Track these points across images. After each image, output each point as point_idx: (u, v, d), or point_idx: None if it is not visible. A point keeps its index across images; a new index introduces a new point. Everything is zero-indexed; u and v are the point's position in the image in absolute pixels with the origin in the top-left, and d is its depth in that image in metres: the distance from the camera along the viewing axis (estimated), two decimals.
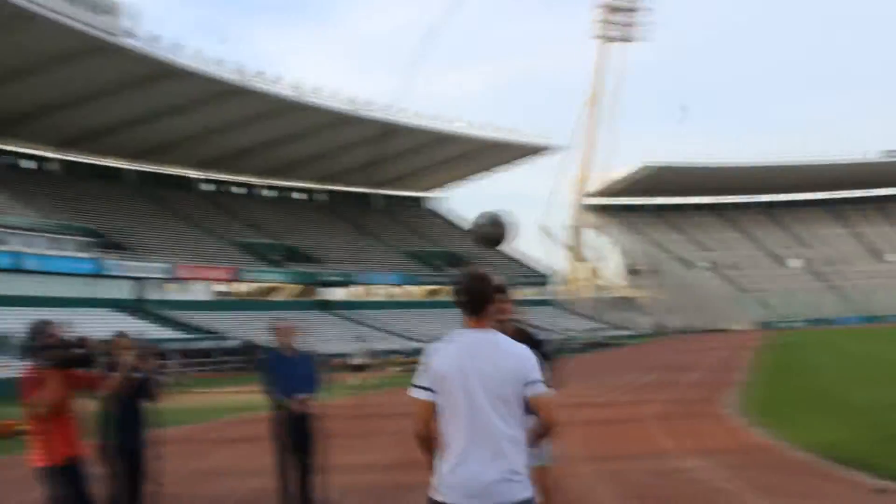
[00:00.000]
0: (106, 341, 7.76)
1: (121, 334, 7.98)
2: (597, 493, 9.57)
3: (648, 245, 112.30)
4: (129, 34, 63.92)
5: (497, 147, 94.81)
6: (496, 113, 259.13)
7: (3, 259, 54.64)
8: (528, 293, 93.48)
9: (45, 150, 75.52)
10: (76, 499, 6.55)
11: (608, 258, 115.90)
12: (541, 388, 3.93)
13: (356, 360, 28.13)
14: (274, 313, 58.22)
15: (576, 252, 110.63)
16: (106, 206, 72.77)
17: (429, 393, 4.00)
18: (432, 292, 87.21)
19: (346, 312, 74.60)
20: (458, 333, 4.09)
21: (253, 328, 61.10)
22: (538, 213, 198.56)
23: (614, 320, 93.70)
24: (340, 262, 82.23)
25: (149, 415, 7.99)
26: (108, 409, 7.57)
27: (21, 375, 6.68)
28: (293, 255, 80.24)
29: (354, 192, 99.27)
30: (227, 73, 70.14)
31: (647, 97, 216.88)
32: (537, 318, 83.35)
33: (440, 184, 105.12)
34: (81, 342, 6.85)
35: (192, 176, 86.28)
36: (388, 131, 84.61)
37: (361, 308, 77.07)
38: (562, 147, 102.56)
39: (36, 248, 57.52)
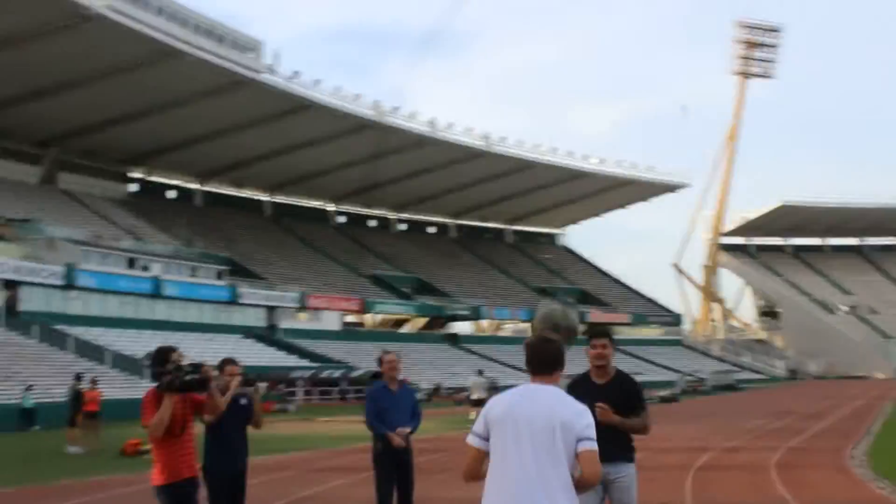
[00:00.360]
0: (217, 367, 7.95)
1: (228, 359, 8.17)
2: None
3: (785, 286, 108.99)
4: (270, 70, 66.16)
5: (630, 184, 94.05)
6: (628, 149, 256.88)
7: (144, 284, 56.84)
8: (658, 333, 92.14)
9: (187, 181, 78.34)
10: None
11: (742, 299, 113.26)
12: (590, 446, 3.99)
13: (475, 395, 28.06)
14: (401, 345, 58.91)
15: (708, 292, 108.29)
16: (243, 236, 74.99)
17: (480, 440, 4.09)
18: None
19: (473, 346, 74.81)
20: (520, 386, 4.21)
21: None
22: (670, 252, 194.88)
23: (747, 363, 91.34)
24: (469, 295, 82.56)
25: (248, 440, 8.16)
26: (213, 434, 7.74)
27: (141, 397, 6.98)
28: (423, 288, 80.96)
29: (486, 226, 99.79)
30: (363, 109, 71.78)
31: (768, 132, 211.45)
32: (664, 359, 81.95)
33: (572, 220, 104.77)
34: (197, 368, 7.08)
35: (326, 208, 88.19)
36: (521, 167, 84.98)
37: (489, 342, 77.11)
38: (694, 185, 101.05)
39: (175, 274, 59.61)
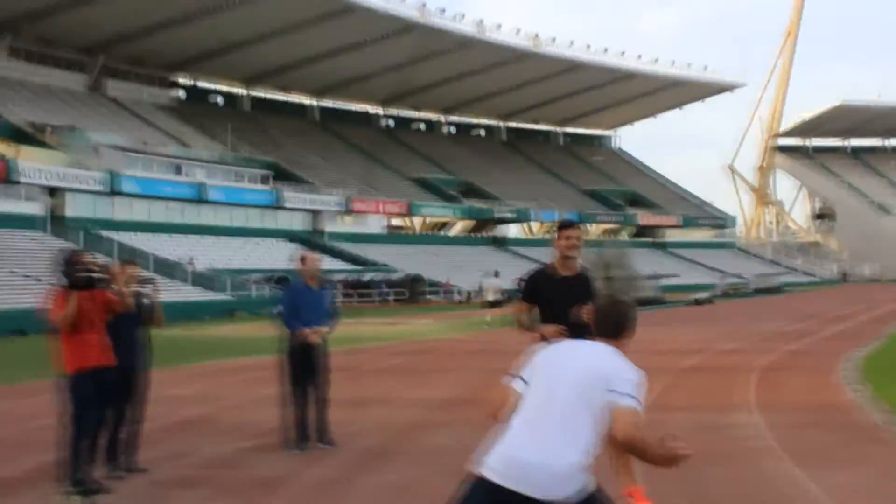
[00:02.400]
0: (118, 267, 8.00)
1: (128, 260, 8.20)
2: None
3: (841, 188, 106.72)
4: None
5: (684, 84, 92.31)
6: (691, 50, 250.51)
7: (188, 190, 57.47)
8: (708, 235, 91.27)
9: (233, 86, 78.49)
10: (85, 405, 7.07)
11: (797, 201, 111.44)
12: (627, 402, 3.64)
13: (490, 296, 28.06)
14: (447, 248, 59.05)
15: (762, 194, 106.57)
16: (288, 141, 75.19)
17: (518, 381, 3.91)
18: (609, 231, 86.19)
19: (519, 249, 74.67)
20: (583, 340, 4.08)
21: (423, 263, 62.07)
22: (725, 153, 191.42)
23: (798, 266, 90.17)
24: (517, 198, 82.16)
25: (147, 340, 8.24)
26: (110, 332, 7.80)
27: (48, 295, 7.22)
28: (469, 192, 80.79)
29: (536, 129, 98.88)
30: (408, 10, 70.89)
31: (829, 30, 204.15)
32: (714, 261, 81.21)
33: (625, 121, 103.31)
34: (101, 268, 7.22)
35: (373, 112, 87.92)
36: (571, 68, 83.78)
37: (536, 245, 76.83)
38: (750, 84, 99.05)
39: (219, 179, 60.11)
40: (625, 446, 3.66)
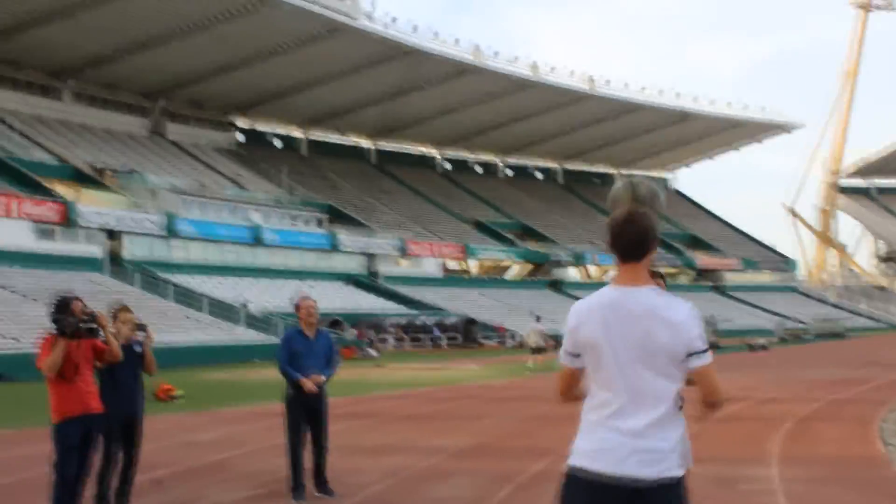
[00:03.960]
0: (112, 315, 8.05)
1: (123, 307, 8.24)
2: None
3: None
4: (368, 16, 66.22)
5: (740, 126, 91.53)
6: (750, 88, 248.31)
7: (244, 232, 58.05)
8: (770, 279, 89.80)
9: (291, 129, 79.53)
10: (71, 453, 7.10)
11: (861, 244, 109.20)
12: (701, 361, 3.43)
13: (533, 342, 27.78)
14: (503, 291, 58.64)
15: (825, 236, 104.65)
16: (345, 183, 75.84)
17: (573, 358, 3.59)
18: (669, 275, 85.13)
19: (577, 293, 74.06)
20: (605, 291, 3.59)
21: (479, 306, 61.86)
22: (785, 194, 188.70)
23: (863, 310, 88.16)
24: (574, 241, 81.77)
25: (143, 386, 8.25)
26: (106, 379, 7.83)
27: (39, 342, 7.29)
28: (526, 234, 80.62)
29: (593, 171, 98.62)
30: (463, 53, 71.47)
31: (890, 68, 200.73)
32: (776, 305, 79.80)
33: (682, 163, 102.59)
34: (93, 317, 7.25)
35: (430, 154, 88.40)
36: (628, 109, 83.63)
37: (592, 288, 75.94)
38: (809, 124, 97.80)
39: (275, 222, 60.70)
40: (714, 405, 3.51)
